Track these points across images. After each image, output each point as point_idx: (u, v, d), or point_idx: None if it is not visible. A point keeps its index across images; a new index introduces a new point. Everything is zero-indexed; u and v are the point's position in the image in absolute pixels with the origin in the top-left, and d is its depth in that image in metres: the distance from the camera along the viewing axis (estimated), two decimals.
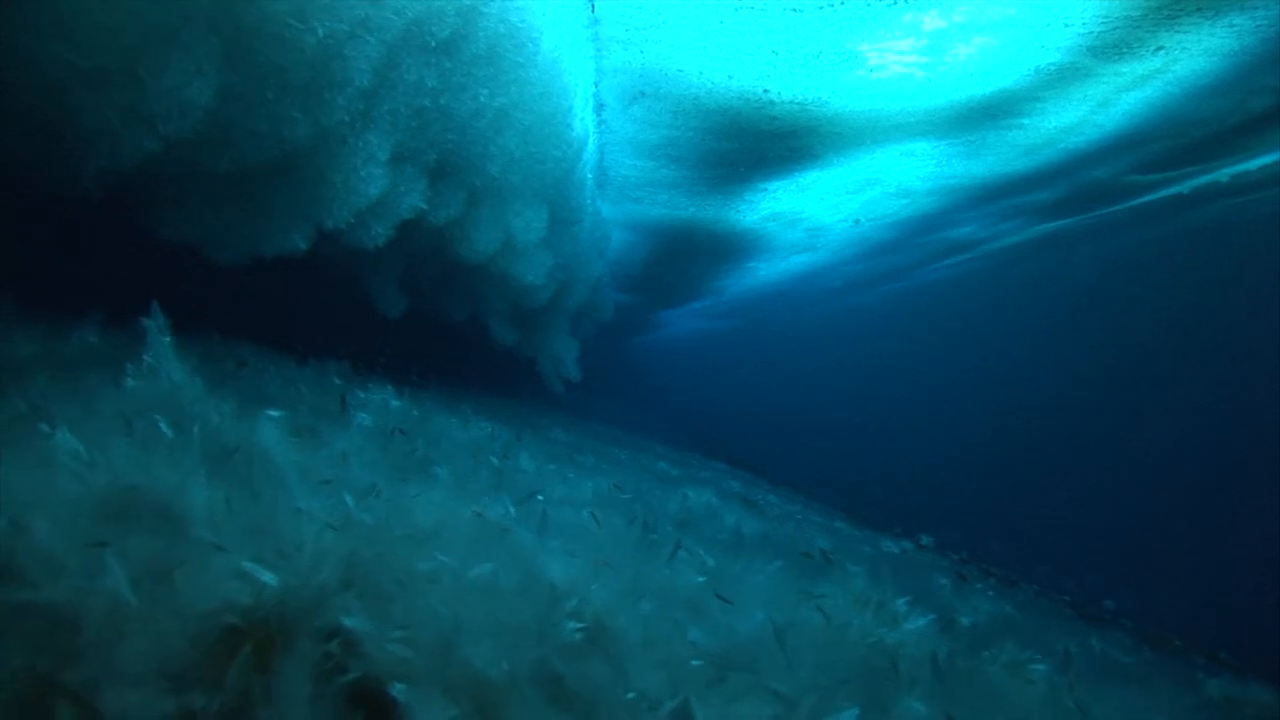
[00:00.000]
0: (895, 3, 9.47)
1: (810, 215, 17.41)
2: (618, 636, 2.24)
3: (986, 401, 66.04)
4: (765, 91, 11.45)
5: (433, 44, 6.92)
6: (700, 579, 3.12)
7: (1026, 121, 13.16)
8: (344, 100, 6.12)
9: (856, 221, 18.38)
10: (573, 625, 2.22)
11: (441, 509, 2.70)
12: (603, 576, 2.51)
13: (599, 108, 12.10)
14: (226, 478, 2.40)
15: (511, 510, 3.13)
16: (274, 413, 3.15)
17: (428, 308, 11.99)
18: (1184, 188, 19.55)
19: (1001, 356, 67.67)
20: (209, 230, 6.31)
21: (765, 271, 23.52)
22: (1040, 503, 40.89)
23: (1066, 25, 9.93)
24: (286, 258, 7.22)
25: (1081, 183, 17.49)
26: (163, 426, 2.53)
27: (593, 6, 9.76)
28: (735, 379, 75.91)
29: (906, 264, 25.60)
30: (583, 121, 11.28)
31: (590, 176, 13.26)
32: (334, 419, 4.16)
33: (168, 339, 3.27)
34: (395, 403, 5.41)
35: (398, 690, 1.84)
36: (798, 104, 11.79)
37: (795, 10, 9.60)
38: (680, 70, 10.96)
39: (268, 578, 1.94)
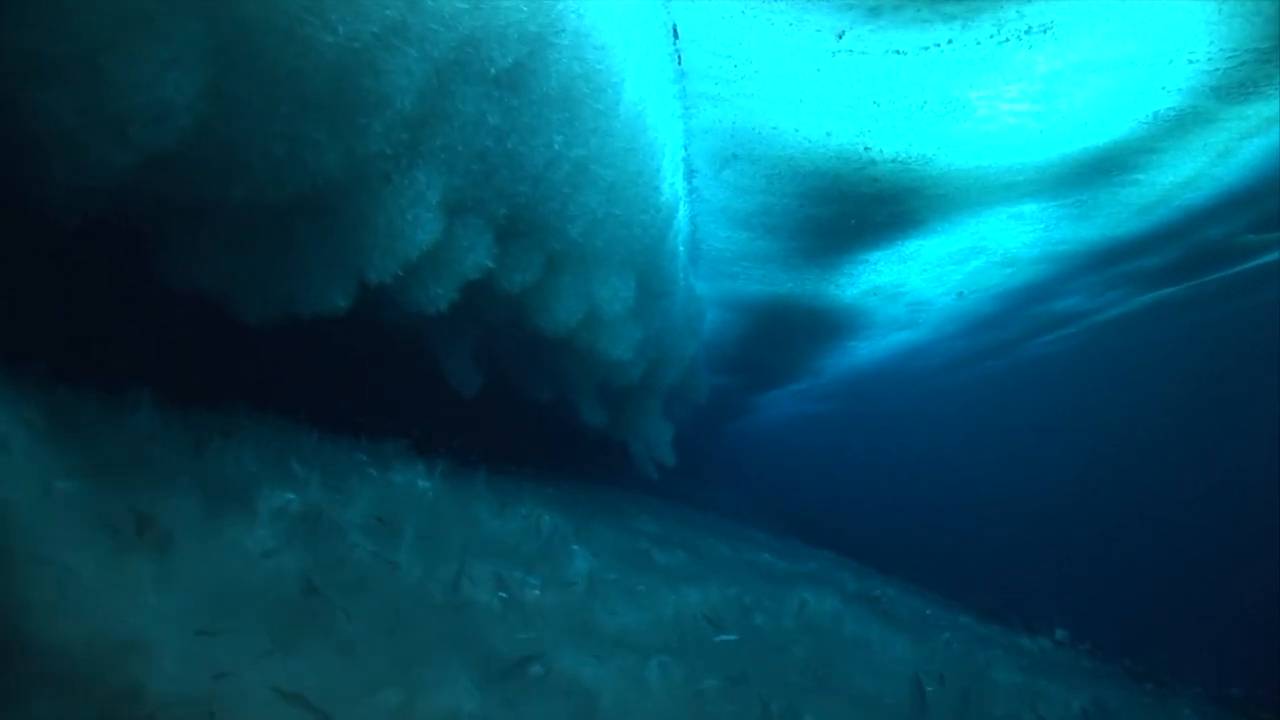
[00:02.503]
0: (1007, 41, 7.98)
1: (912, 288, 15.72)
2: None
3: (1087, 482, 61.72)
4: (866, 149, 10.02)
5: (492, 72, 5.68)
6: None
7: (1141, 177, 11.40)
8: (382, 125, 4.87)
9: (960, 294, 16.58)
10: None
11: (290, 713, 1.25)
12: None
13: (689, 174, 10.83)
14: None
15: (469, 703, 1.61)
16: (63, 484, 1.78)
17: (509, 385, 10.67)
18: None
19: (1104, 435, 63.40)
20: (229, 280, 5.08)
21: (865, 351, 21.71)
22: (1152, 584, 37.50)
23: (1190, 61, 8.33)
24: (339, 321, 5.99)
25: (1193, 245, 15.41)
26: None
27: (679, 58, 8.55)
28: (834, 463, 72.95)
29: (1008, 339, 23.44)
30: (672, 186, 9.99)
31: (682, 249, 11.93)
32: (232, 502, 2.72)
33: None
34: (423, 483, 4.03)
35: None
36: (900, 163, 10.31)
37: (899, 53, 8.21)
38: (775, 128, 9.64)
39: None
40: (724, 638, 2.98)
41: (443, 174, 5.69)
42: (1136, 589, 36.13)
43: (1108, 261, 15.67)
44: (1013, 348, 25.38)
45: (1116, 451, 61.90)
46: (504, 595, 2.63)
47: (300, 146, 4.53)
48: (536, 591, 2.78)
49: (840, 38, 7.83)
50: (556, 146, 6.97)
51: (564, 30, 6.25)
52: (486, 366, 9.40)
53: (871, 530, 32.55)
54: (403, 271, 5.70)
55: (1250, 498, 49.38)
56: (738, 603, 3.86)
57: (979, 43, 7.99)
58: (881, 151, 10.05)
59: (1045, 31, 7.64)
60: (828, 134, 9.69)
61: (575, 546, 3.90)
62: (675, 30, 8.05)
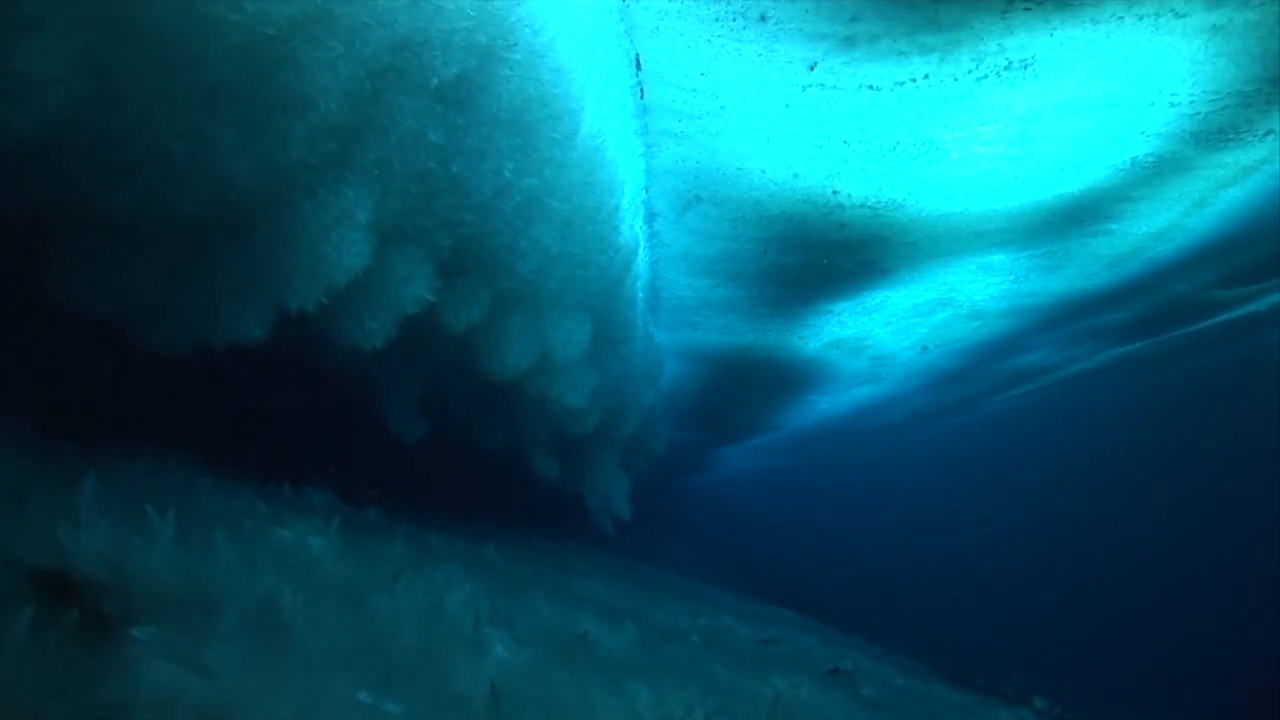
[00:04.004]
0: (985, 77, 7.62)
1: (876, 341, 15.33)
2: None
3: (1052, 541, 61.56)
4: (834, 193, 9.61)
5: (434, 83, 5.12)
6: None
7: (1114, 227, 11.16)
8: (304, 130, 4.27)
9: (924, 348, 16.24)
10: None
11: None
12: None
13: (650, 217, 10.34)
14: None
15: None
16: None
17: (456, 432, 9.97)
18: (1260, 305, 17.15)
19: (1066, 494, 63.46)
20: (128, 301, 4.41)
21: (826, 405, 21.26)
22: (1114, 639, 37.38)
23: (1172, 104, 8.08)
24: (261, 353, 5.34)
25: (1161, 299, 15.26)
26: None
27: (641, 92, 8.10)
28: (793, 519, 72.24)
29: (971, 395, 23.18)
30: (631, 229, 9.48)
31: (641, 295, 11.41)
32: None
33: None
34: (315, 540, 3.34)
35: None
36: (869, 207, 9.92)
37: (872, 88, 7.83)
38: (740, 169, 9.21)
39: None
40: None
41: (375, 193, 5.08)
42: (1098, 644, 35.88)
43: (1074, 316, 15.45)
44: (976, 403, 25.15)
45: (1079, 508, 62.04)
46: None
47: (206, 147, 3.91)
48: None
49: (812, 69, 7.42)
50: (507, 174, 6.41)
51: (516, 45, 5.73)
52: (432, 411, 8.73)
53: (831, 586, 31.94)
54: (329, 300, 5.05)
55: (1213, 550, 49.67)
56: (699, 706, 3.06)
57: (956, 79, 7.63)
58: (850, 195, 9.65)
59: (1026, 68, 7.31)
60: (795, 175, 9.28)
61: (489, 630, 3.04)
62: (638, 60, 7.60)
